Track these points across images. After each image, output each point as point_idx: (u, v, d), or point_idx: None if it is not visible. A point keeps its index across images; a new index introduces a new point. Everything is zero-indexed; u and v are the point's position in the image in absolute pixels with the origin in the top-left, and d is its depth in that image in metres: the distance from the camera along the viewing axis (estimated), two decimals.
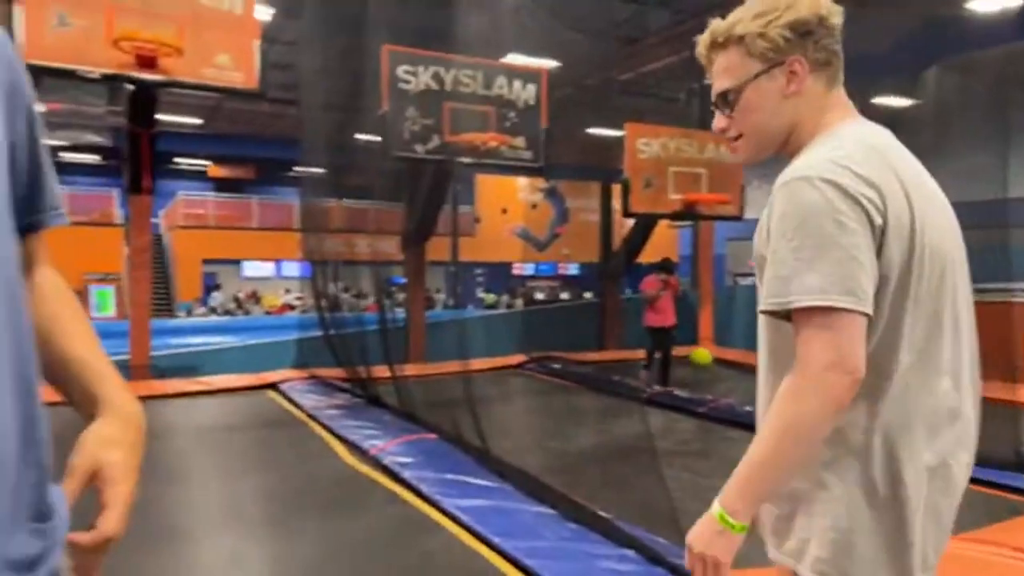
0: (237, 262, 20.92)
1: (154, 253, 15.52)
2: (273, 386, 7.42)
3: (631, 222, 10.26)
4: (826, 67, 1.16)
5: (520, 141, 7.29)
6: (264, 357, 8.29)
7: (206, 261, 20.00)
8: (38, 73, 7.14)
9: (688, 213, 9.05)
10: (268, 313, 18.02)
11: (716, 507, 1.08)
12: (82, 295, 17.34)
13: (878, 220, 1.04)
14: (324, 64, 6.88)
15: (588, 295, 24.42)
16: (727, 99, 1.20)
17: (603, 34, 10.81)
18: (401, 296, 10.82)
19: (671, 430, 5.85)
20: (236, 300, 18.46)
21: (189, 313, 17.28)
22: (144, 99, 5.87)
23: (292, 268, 20.83)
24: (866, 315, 1.02)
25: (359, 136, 8.59)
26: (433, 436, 5.19)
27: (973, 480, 1.21)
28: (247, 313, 17.51)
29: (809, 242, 1.02)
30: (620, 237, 11.27)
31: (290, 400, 6.83)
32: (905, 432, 1.10)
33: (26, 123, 0.79)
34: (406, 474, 4.29)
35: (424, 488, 4.01)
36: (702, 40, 1.22)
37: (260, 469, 4.83)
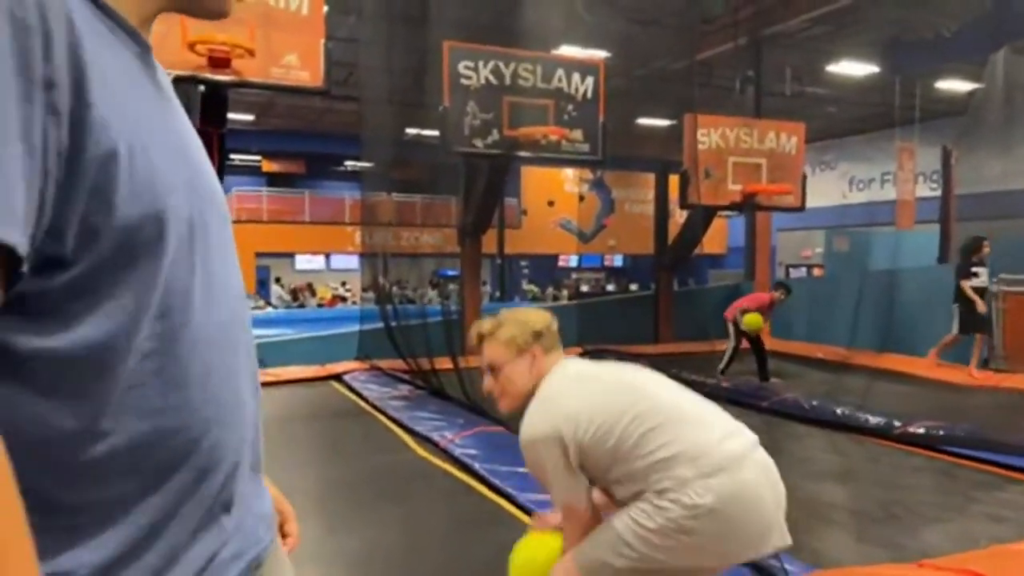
0: (290, 255, 21.36)
1: None
2: (337, 377, 7.59)
3: (681, 213, 10.18)
4: (552, 350, 1.92)
5: (578, 134, 7.28)
6: (327, 349, 8.48)
7: (259, 254, 20.46)
8: None
9: (747, 204, 8.92)
10: (320, 305, 18.37)
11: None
12: None
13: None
14: (385, 60, 6.97)
15: (634, 287, 24.24)
16: (493, 370, 1.90)
17: (656, 23, 10.70)
18: (450, 288, 10.93)
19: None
20: (293, 292, 18.94)
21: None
22: (216, 100, 6.03)
23: (342, 261, 21.22)
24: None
25: (419, 131, 8.68)
26: (500, 428, 5.25)
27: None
28: (302, 305, 17.89)
29: None
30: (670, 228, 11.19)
31: (354, 391, 6.97)
32: None
33: None
34: (477, 466, 4.36)
35: (497, 481, 4.06)
36: (474, 334, 1.93)
37: (332, 459, 4.95)
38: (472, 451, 4.65)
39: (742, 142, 8.52)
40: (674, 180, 9.63)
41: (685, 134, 8.38)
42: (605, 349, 9.19)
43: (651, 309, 10.75)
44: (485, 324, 1.93)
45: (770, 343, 9.69)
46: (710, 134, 8.38)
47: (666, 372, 6.65)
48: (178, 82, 5.83)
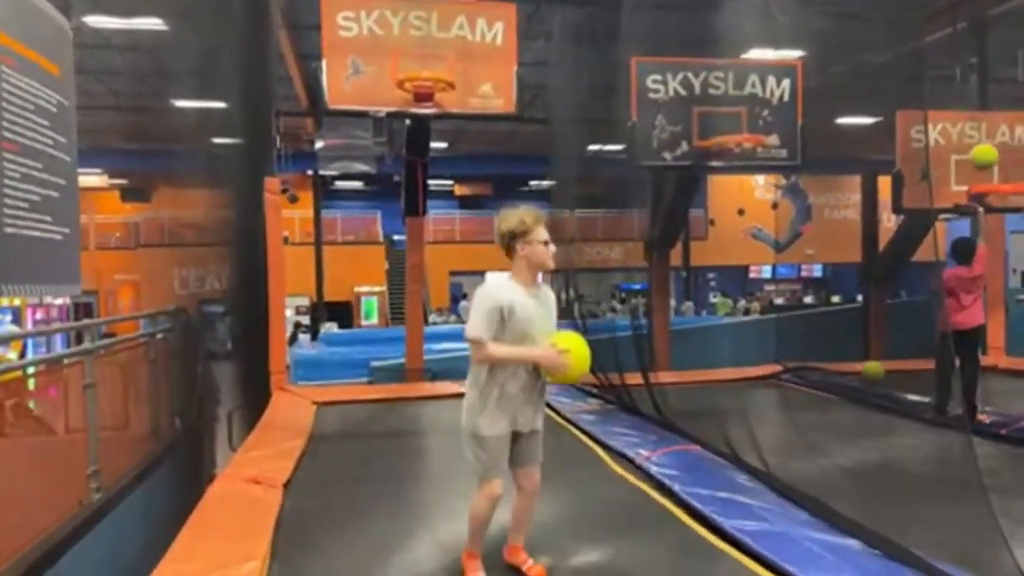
0: (480, 273, 22.44)
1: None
2: None
3: (890, 218, 9.32)
4: None
5: (774, 139, 6.93)
6: None
7: (452, 272, 21.72)
8: (335, 115, 8.15)
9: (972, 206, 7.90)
10: None
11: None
12: (354, 306, 19.71)
13: None
14: (572, 80, 7.11)
15: (836, 299, 22.38)
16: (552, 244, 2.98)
17: (856, 16, 9.92)
18: (629, 303, 10.80)
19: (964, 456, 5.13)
20: None
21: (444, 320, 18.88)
22: (419, 131, 6.54)
23: None
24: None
25: (601, 147, 8.75)
26: (697, 448, 5.10)
27: None
28: None
29: None
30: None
31: (547, 404, 7.10)
32: None
33: None
34: (676, 488, 4.24)
35: (698, 505, 3.92)
36: (529, 218, 2.97)
37: None
38: (670, 471, 4.55)
39: (967, 137, 7.59)
40: (884, 182, 8.82)
41: (898, 132, 7.63)
42: (808, 367, 8.59)
43: (859, 323, 9.88)
44: (533, 213, 2.96)
45: (1006, 362, 8.55)
46: (928, 130, 7.57)
47: (881, 393, 6.04)
48: (391, 117, 6.39)
